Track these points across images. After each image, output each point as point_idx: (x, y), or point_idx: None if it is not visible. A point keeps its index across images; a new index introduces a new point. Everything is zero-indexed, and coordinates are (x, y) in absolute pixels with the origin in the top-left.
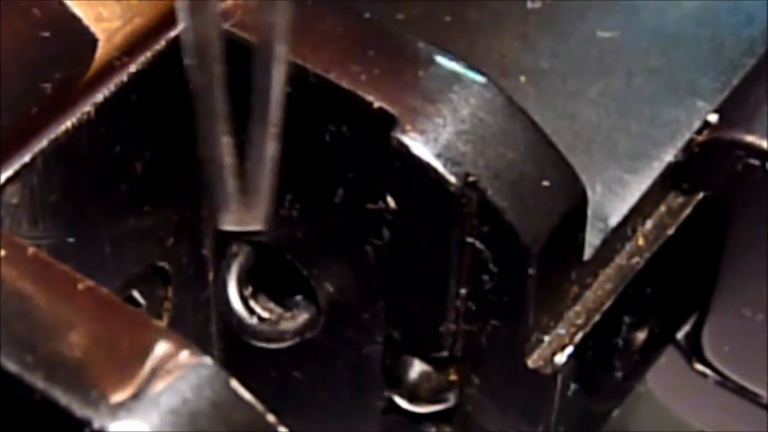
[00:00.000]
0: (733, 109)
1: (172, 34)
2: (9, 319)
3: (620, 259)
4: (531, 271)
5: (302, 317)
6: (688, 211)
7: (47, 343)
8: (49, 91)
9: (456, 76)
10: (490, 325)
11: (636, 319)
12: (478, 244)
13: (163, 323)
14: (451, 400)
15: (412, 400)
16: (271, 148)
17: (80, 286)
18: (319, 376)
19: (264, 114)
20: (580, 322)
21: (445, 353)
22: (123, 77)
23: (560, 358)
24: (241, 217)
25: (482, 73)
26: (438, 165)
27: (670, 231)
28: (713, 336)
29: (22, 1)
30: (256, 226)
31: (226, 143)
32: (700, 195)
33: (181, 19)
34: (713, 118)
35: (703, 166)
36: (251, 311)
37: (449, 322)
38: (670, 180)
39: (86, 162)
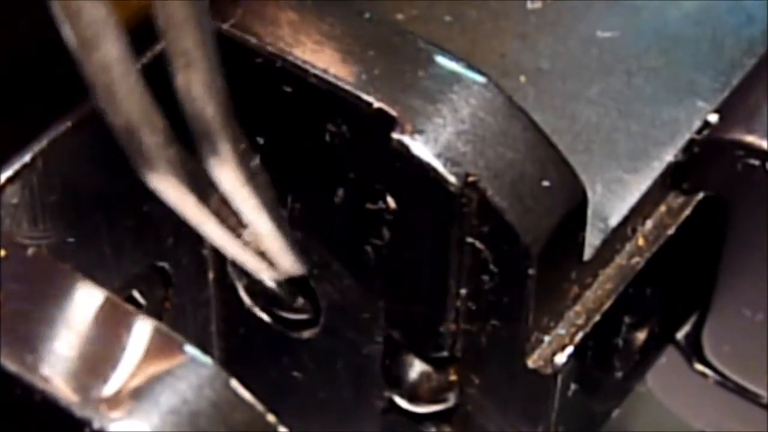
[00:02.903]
0: (733, 109)
1: None
2: (9, 319)
3: (620, 259)
4: (531, 271)
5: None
6: (688, 211)
7: (47, 343)
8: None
9: (456, 76)
10: (490, 325)
11: (636, 319)
12: (478, 244)
13: (163, 323)
14: (451, 400)
15: (412, 400)
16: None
17: (80, 286)
18: (319, 376)
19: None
20: (580, 322)
21: (445, 353)
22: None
23: (560, 358)
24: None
25: (482, 73)
26: (438, 165)
27: (670, 231)
28: (713, 336)
29: (23, 0)
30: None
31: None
32: (700, 195)
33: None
34: (713, 118)
35: (703, 166)
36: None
37: (449, 322)
38: (670, 180)
39: (86, 162)
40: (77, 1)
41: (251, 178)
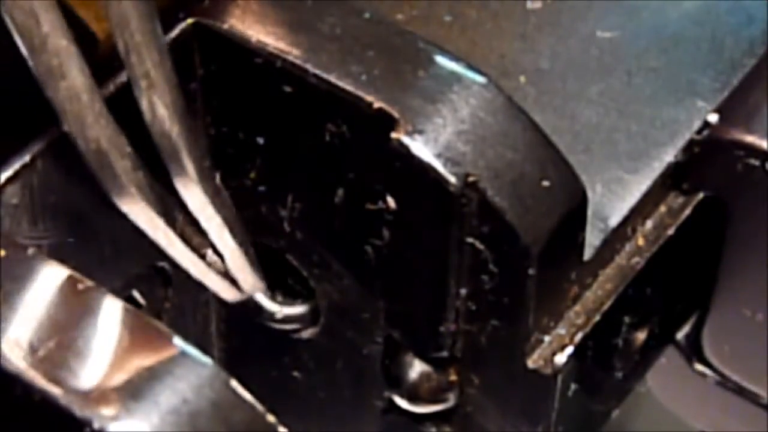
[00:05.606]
0: (733, 109)
1: (172, 35)
2: (9, 319)
3: (620, 259)
4: (531, 271)
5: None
6: (688, 211)
7: (47, 343)
8: None
9: (456, 76)
10: (490, 325)
11: (636, 319)
12: (478, 244)
13: (163, 323)
14: (451, 400)
15: (412, 400)
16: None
17: (80, 286)
18: (319, 376)
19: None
20: (580, 322)
21: (445, 353)
22: (123, 77)
23: (560, 358)
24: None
25: (482, 73)
26: (438, 165)
27: (670, 231)
28: (713, 336)
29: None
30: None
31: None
32: (700, 195)
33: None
34: (713, 118)
35: (703, 166)
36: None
37: (449, 322)
38: (670, 180)
39: (86, 162)
40: (41, 32)
41: (215, 194)
